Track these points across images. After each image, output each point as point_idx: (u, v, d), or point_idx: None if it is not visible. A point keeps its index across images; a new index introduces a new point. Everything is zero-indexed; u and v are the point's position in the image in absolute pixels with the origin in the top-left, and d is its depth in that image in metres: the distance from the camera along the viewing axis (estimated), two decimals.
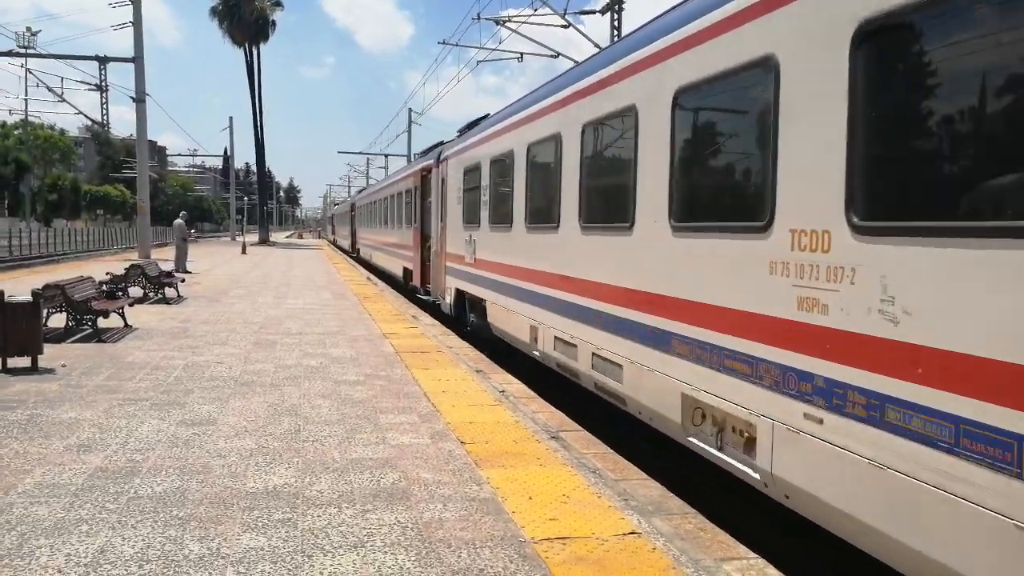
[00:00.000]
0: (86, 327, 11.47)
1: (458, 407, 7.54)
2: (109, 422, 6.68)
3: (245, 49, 59.71)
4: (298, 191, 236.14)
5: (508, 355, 11.40)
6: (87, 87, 37.62)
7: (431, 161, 17.57)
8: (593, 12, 22.77)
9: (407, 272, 21.46)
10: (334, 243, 70.84)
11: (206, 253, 41.40)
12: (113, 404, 7.33)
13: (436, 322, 14.53)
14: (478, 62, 25.43)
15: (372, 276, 27.24)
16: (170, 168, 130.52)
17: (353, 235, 46.62)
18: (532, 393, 8.47)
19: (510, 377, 9.31)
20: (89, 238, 61.38)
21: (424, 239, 18.35)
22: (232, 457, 5.75)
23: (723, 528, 4.74)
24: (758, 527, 5.80)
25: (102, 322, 11.65)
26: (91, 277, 12.74)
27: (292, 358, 10.03)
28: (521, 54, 23.16)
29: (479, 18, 21.63)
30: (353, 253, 45.48)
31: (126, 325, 12.32)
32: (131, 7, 32.67)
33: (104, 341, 10.93)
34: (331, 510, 4.74)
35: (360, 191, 51.76)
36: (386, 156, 72.83)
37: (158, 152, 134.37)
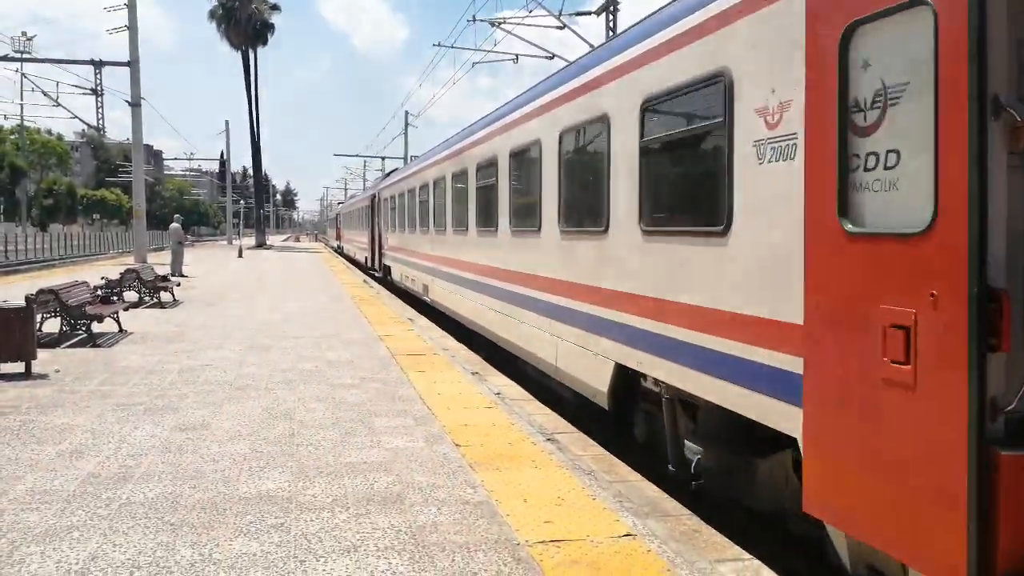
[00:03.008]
0: (80, 332, 11.43)
1: (453, 410, 7.52)
2: (102, 427, 6.65)
3: (242, 52, 59.67)
4: (295, 194, 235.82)
5: (505, 359, 11.26)
6: (82, 91, 37.59)
7: None
8: (588, 13, 22.78)
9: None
10: (339, 251, 56.41)
11: (202, 257, 41.35)
12: (106, 409, 7.30)
13: (432, 324, 14.51)
14: (474, 64, 25.26)
15: (369, 279, 27.13)
16: (166, 172, 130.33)
17: (375, 244, 29.50)
18: (528, 395, 8.46)
19: (506, 379, 9.29)
20: (85, 243, 61.28)
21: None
22: (225, 462, 5.73)
23: (718, 529, 4.72)
24: (752, 527, 5.79)
25: (97, 327, 11.62)
26: (86, 282, 12.71)
27: (287, 362, 10.01)
28: (516, 56, 23.17)
29: (474, 20, 21.62)
30: (375, 270, 28.93)
31: (121, 330, 12.28)
32: (127, 11, 32.69)
33: (98, 346, 10.90)
34: (324, 514, 4.72)
35: (388, 173, 32.30)
36: (383, 159, 72.77)
37: (154, 156, 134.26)
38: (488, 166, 11.32)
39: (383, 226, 26.66)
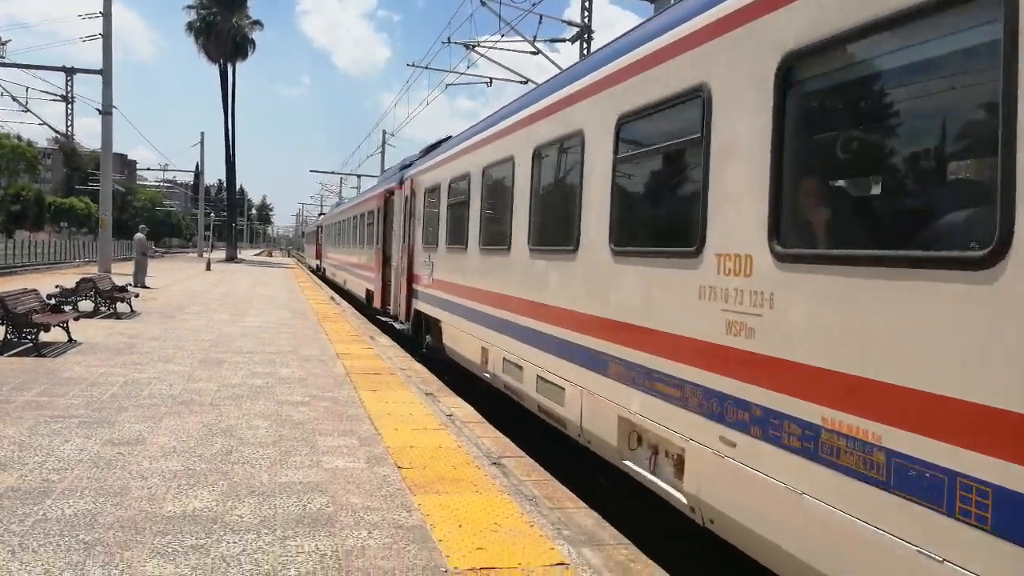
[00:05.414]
0: (27, 341, 11.09)
1: (401, 431, 7.36)
2: (31, 440, 6.39)
3: (221, 66, 59.34)
4: (271, 209, 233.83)
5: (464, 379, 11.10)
6: (52, 98, 37.03)
7: None
8: (563, 40, 22.95)
9: None
10: (319, 274, 45.43)
11: (169, 268, 40.73)
12: (39, 421, 7.03)
13: (394, 343, 14.33)
14: (447, 85, 25.26)
15: (336, 296, 26.82)
16: (140, 182, 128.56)
17: (390, 272, 17.93)
18: (480, 417, 8.32)
19: (460, 401, 9.14)
20: (51, 250, 60.13)
21: None
22: (154, 479, 5.52)
23: (654, 559, 4.62)
24: (691, 556, 5.71)
25: (45, 336, 11.28)
26: (35, 290, 12.37)
27: (238, 377, 9.77)
28: (490, 79, 23.27)
29: (449, 42, 21.70)
30: (394, 318, 16.82)
31: (70, 339, 11.95)
32: (101, 19, 32.37)
33: (43, 356, 10.58)
34: (249, 536, 4.54)
35: (433, 146, 15.55)
36: (359, 176, 72.59)
37: (128, 166, 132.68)
38: None
39: (422, 241, 14.00)
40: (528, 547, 4.60)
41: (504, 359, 8.80)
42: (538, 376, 7.66)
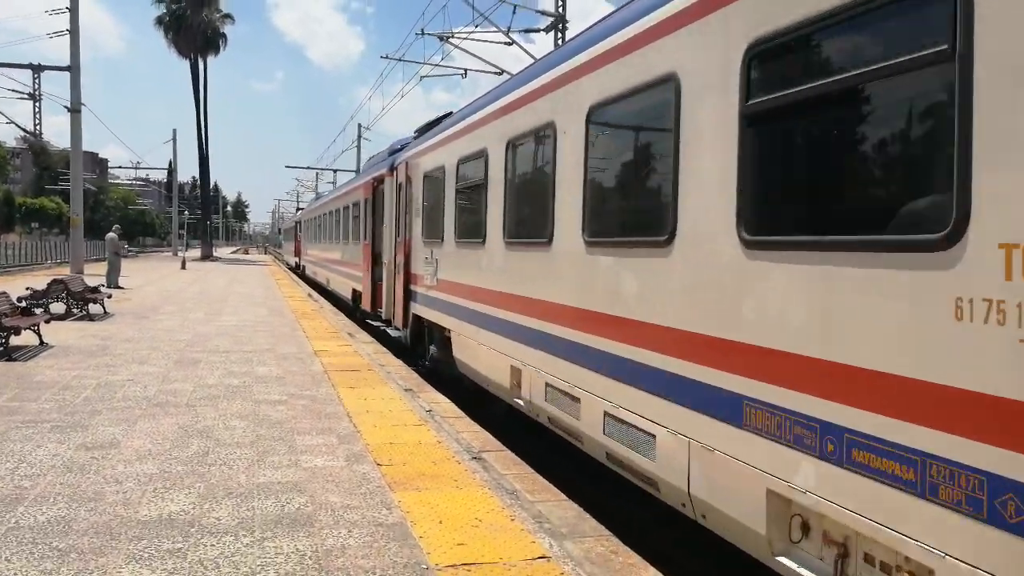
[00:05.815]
0: None
1: (380, 427, 7.32)
2: (2, 446, 6.27)
3: (191, 61, 58.53)
4: (246, 206, 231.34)
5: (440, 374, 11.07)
6: (19, 96, 36.31)
7: None
8: (538, 30, 22.88)
9: None
10: (299, 272, 42.37)
11: (143, 268, 40.20)
12: (10, 427, 6.90)
13: (372, 340, 14.25)
14: (422, 77, 25.13)
15: (313, 292, 26.62)
16: (112, 180, 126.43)
17: (379, 270, 15.95)
18: (460, 412, 8.29)
19: (440, 396, 9.11)
20: (21, 252, 58.98)
21: None
22: (129, 483, 5.44)
23: (636, 550, 4.63)
24: (674, 547, 5.74)
25: (15, 339, 11.08)
26: (5, 292, 12.13)
27: (214, 377, 9.66)
28: (465, 70, 23.17)
29: (423, 34, 21.55)
30: (386, 323, 14.82)
31: (41, 343, 11.75)
32: (68, 15, 31.77)
33: (14, 359, 10.39)
34: (227, 539, 4.49)
35: (439, 118, 13.19)
36: (335, 171, 72.01)
37: (99, 164, 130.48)
38: None
39: (422, 234, 11.95)
40: (509, 541, 4.59)
41: (548, 385, 6.86)
42: (607, 414, 5.71)
